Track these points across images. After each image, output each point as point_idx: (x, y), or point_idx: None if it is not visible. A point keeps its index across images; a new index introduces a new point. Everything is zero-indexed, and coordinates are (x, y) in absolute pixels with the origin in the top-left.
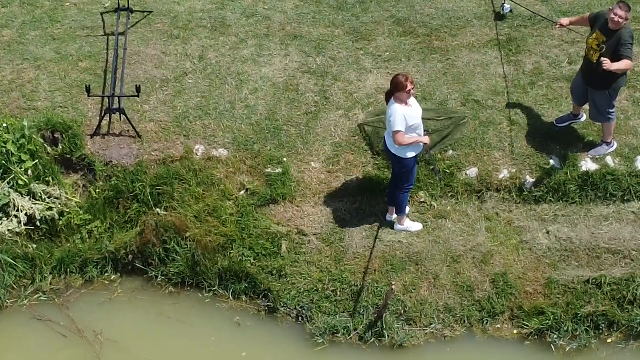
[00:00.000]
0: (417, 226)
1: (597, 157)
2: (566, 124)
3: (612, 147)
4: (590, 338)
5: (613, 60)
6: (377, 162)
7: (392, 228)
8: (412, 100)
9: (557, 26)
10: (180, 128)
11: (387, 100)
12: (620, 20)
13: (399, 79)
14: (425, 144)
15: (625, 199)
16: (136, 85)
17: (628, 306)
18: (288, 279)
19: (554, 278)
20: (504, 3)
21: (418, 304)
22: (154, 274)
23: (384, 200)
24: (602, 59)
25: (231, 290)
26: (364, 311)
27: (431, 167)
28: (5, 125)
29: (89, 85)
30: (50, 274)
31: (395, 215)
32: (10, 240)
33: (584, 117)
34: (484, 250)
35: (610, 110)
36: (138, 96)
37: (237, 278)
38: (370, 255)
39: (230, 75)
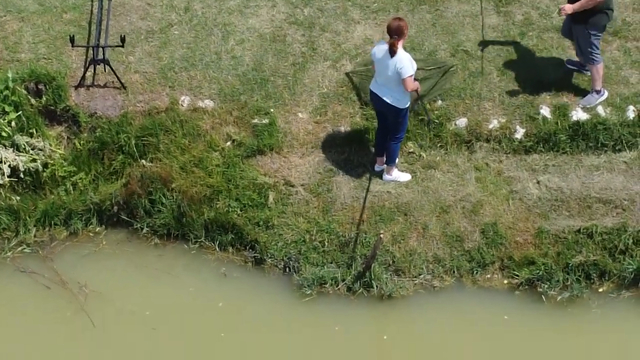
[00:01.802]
0: (405, 176)
1: (588, 106)
2: (574, 67)
3: (602, 95)
4: (582, 288)
5: None
6: (365, 113)
7: (381, 178)
8: None
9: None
10: (165, 79)
11: (392, 50)
12: None
13: (401, 25)
14: (417, 92)
15: (617, 148)
16: (120, 35)
17: (619, 255)
18: (275, 230)
19: (544, 228)
20: None
21: (407, 254)
22: (139, 225)
23: (372, 151)
24: (560, 6)
25: (217, 242)
26: (352, 262)
27: (422, 116)
28: None
29: (73, 36)
30: (34, 226)
31: (384, 166)
32: None
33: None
34: (474, 200)
35: (592, 51)
36: (123, 46)
37: (223, 229)
38: (364, 207)
39: (217, 27)
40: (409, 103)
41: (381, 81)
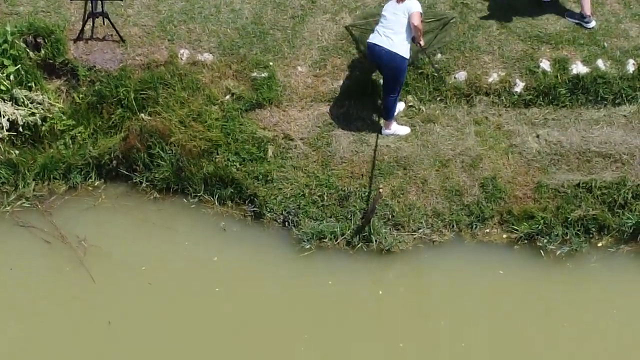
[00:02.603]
0: (404, 129)
1: (570, 21)
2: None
3: (588, 22)
4: (581, 242)
5: None
6: (364, 66)
7: (380, 132)
8: None
9: None
10: (164, 32)
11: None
12: None
13: None
14: (419, 44)
15: (616, 102)
16: None
17: (618, 210)
18: (274, 184)
19: (543, 182)
20: None
21: (406, 208)
22: (138, 179)
23: (372, 104)
24: None
25: (217, 196)
26: (351, 216)
27: (423, 70)
28: None
29: None
30: (33, 180)
31: (390, 127)
32: None
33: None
34: (473, 154)
35: None
36: (121, 0)
37: (222, 183)
38: (373, 164)
39: None
40: (410, 53)
41: (386, 28)
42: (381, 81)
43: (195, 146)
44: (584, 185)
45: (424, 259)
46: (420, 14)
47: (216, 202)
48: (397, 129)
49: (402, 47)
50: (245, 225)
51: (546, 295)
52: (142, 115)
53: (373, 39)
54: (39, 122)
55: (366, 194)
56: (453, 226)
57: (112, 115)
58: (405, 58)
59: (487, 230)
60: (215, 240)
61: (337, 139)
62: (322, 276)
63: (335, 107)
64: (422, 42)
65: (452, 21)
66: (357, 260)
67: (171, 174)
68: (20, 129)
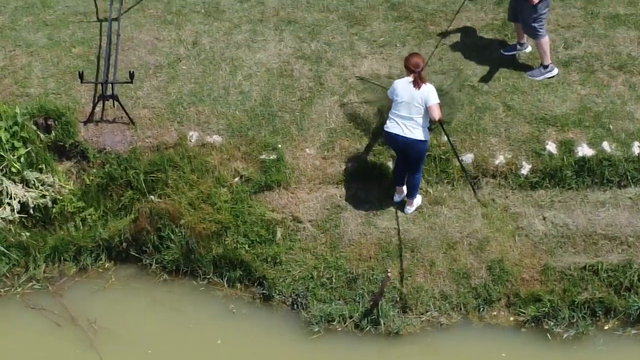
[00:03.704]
0: (420, 198)
1: (534, 79)
2: (512, 52)
3: (550, 71)
4: (587, 325)
5: None
6: (373, 148)
7: (403, 211)
8: None
9: None
10: (173, 114)
11: (417, 84)
12: None
13: (420, 59)
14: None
15: (622, 184)
16: (129, 71)
17: (625, 292)
18: (283, 266)
19: (550, 264)
20: None
21: (414, 291)
22: (148, 261)
23: (379, 186)
24: None
25: (226, 278)
26: (359, 299)
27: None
28: None
29: (82, 72)
30: (44, 262)
31: (404, 195)
32: (4, 228)
33: (529, 48)
34: (480, 236)
35: (536, 26)
36: (131, 82)
37: (231, 265)
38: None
39: (224, 61)
40: (429, 136)
41: (405, 116)
42: (389, 164)
43: (205, 228)
44: (590, 267)
45: (431, 342)
46: (439, 104)
47: (225, 284)
48: (418, 201)
49: (423, 133)
50: (254, 307)
51: None
52: (152, 197)
53: (392, 128)
54: (50, 204)
55: (374, 276)
56: (461, 309)
57: (122, 197)
58: (427, 140)
59: (495, 313)
60: (224, 322)
61: (345, 221)
62: (331, 359)
63: (343, 189)
64: (441, 119)
65: (459, 74)
66: (365, 343)
67: (181, 256)
68: (31, 211)
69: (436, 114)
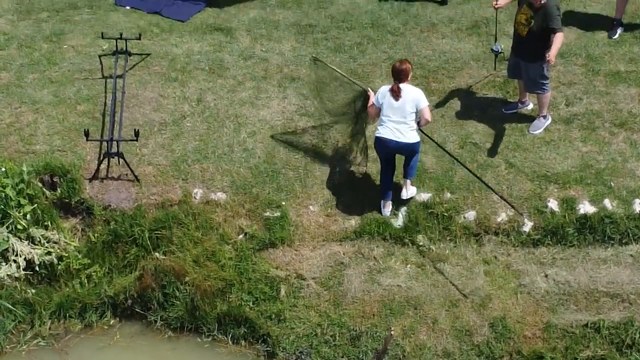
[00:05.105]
0: (415, 190)
1: (536, 132)
2: (514, 111)
3: (548, 120)
4: None
5: (543, 34)
6: (375, 204)
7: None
8: None
9: (495, 6)
10: (178, 171)
11: (398, 89)
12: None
13: (407, 66)
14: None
15: (624, 242)
16: (134, 130)
17: (627, 350)
18: (287, 324)
19: (552, 322)
20: (496, 43)
21: (417, 348)
22: (153, 318)
23: (382, 244)
24: (547, 54)
25: (230, 335)
26: (363, 356)
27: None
28: (3, 169)
29: (88, 130)
30: (49, 318)
31: (391, 208)
32: (10, 285)
33: (531, 105)
34: (483, 294)
35: (544, 82)
36: (137, 140)
37: (236, 322)
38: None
39: (228, 118)
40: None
41: (399, 125)
42: (393, 221)
43: (210, 285)
44: (592, 325)
45: None
46: (429, 106)
47: (230, 341)
48: (414, 190)
49: (416, 135)
50: None
51: None
52: (157, 254)
53: (385, 133)
54: (55, 261)
55: (377, 333)
56: None
57: (127, 254)
58: (419, 142)
59: None
60: None
61: (348, 278)
62: None
63: (346, 246)
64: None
65: None
66: None
67: (185, 313)
68: (37, 268)
69: (427, 116)
